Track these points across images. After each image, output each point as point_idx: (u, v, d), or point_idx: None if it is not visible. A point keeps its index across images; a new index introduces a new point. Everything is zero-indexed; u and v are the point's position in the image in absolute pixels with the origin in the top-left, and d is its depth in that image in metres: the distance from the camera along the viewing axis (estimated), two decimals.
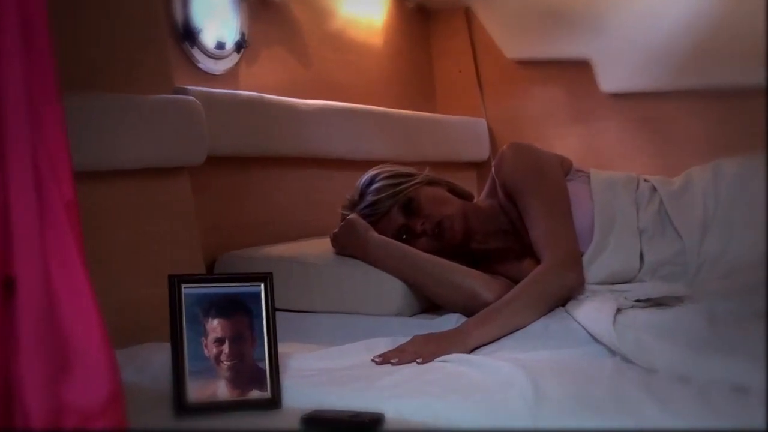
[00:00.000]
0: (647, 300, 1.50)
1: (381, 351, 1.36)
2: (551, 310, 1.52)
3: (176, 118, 1.74)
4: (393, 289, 1.72)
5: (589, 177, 1.78)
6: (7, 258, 0.86)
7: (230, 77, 2.15)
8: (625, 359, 1.23)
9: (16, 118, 0.87)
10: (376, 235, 1.74)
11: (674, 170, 1.86)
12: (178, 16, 2.00)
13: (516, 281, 1.60)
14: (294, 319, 1.72)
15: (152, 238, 1.67)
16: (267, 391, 1.18)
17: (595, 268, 1.66)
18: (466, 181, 2.89)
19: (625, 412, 1.02)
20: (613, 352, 1.27)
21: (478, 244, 1.78)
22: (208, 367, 1.17)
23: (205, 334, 1.18)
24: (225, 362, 1.18)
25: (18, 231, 0.86)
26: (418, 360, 1.32)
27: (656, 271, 1.67)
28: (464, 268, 1.68)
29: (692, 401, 1.03)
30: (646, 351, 1.22)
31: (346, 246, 1.78)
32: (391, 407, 1.10)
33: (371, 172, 1.83)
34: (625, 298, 1.51)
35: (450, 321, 1.58)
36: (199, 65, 2.05)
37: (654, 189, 1.75)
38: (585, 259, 1.66)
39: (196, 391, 1.15)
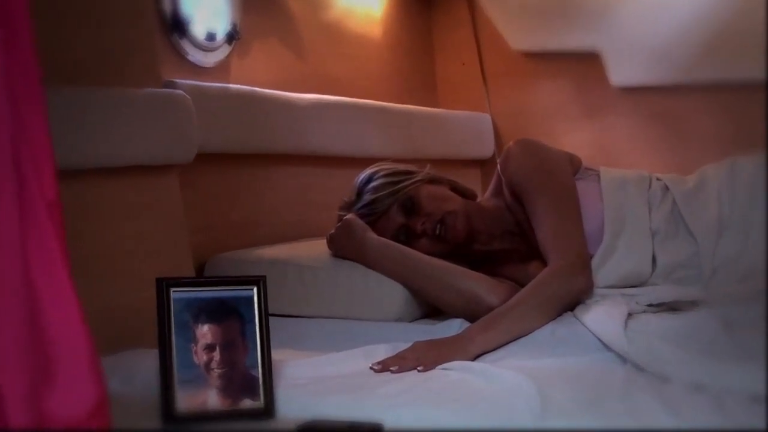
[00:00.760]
0: (660, 304, 1.51)
1: (380, 358, 1.36)
2: (559, 314, 1.52)
3: (164, 113, 1.74)
4: (393, 293, 1.72)
5: (598, 176, 1.78)
6: None
7: (221, 70, 2.15)
8: (637, 367, 1.23)
9: None
10: (374, 236, 1.74)
11: (688, 168, 1.86)
12: (167, 6, 2.00)
13: (522, 285, 1.60)
14: (288, 324, 1.72)
15: (139, 240, 1.67)
16: (260, 400, 1.18)
17: (605, 271, 1.66)
18: (470, 180, 2.90)
19: (637, 422, 1.02)
20: (623, 359, 1.27)
21: (482, 246, 1.79)
22: (198, 375, 1.17)
23: (194, 340, 1.18)
24: (216, 370, 1.18)
25: None
26: (418, 367, 1.32)
27: (669, 274, 1.67)
28: (467, 270, 1.68)
29: (707, 411, 1.04)
30: (658, 358, 1.22)
31: (343, 248, 1.78)
32: (391, 417, 1.10)
33: (369, 170, 1.83)
34: (637, 302, 1.51)
35: (452, 326, 1.58)
36: (189, 58, 2.05)
37: (666, 188, 1.75)
38: (594, 261, 1.66)
39: (186, 400, 1.15)
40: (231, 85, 2.08)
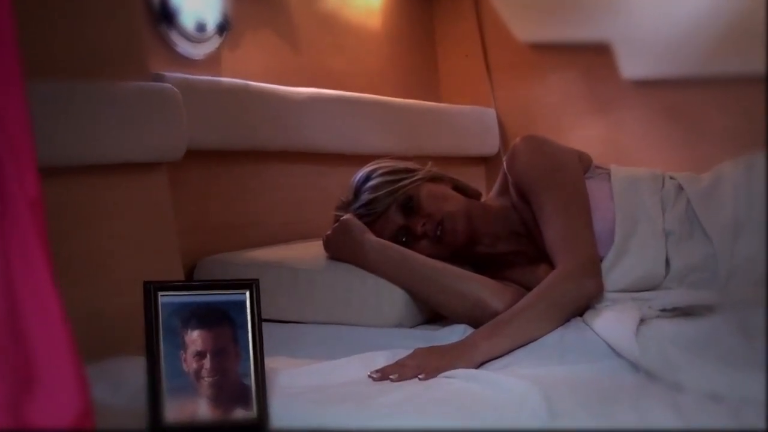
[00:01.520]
0: (673, 309, 1.50)
1: (379, 366, 1.36)
2: (568, 320, 1.52)
3: (152, 107, 1.73)
4: (392, 298, 1.72)
5: (609, 174, 1.78)
6: None
7: (212, 62, 2.15)
8: (649, 375, 1.23)
9: None
10: (373, 237, 1.74)
11: (703, 166, 1.86)
12: None
13: (529, 289, 1.60)
14: (283, 330, 1.72)
15: (126, 241, 1.67)
16: (252, 410, 1.18)
17: (615, 275, 1.66)
18: (474, 178, 2.91)
19: None
20: (635, 367, 1.27)
21: (486, 248, 1.79)
22: (188, 384, 1.17)
23: (183, 347, 1.18)
24: (206, 378, 1.17)
25: None
26: (420, 376, 1.32)
27: (684, 277, 1.67)
28: (471, 273, 1.68)
29: (724, 422, 1.03)
30: (672, 366, 1.22)
31: (341, 249, 1.78)
32: (391, 428, 1.10)
33: (367, 168, 1.83)
34: (649, 307, 1.51)
35: (455, 332, 1.58)
36: (177, 49, 2.05)
37: (680, 187, 1.76)
38: (605, 264, 1.66)
39: (174, 410, 1.15)
40: (222, 79, 2.08)
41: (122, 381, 1.30)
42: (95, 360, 1.37)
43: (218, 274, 1.88)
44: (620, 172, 1.79)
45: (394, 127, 2.58)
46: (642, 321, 1.42)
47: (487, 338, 1.44)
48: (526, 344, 1.46)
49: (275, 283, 1.80)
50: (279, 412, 1.18)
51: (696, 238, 1.69)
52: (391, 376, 1.32)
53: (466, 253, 1.78)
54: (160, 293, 1.19)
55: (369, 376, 1.33)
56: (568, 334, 1.46)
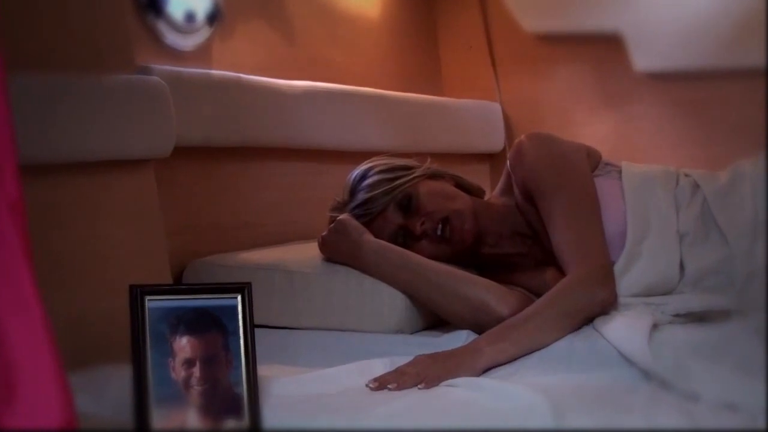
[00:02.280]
0: (687, 314, 1.50)
1: (378, 374, 1.36)
2: (578, 328, 1.53)
3: (139, 102, 1.74)
4: (392, 302, 1.72)
5: (619, 172, 1.78)
6: None
7: (202, 54, 2.15)
8: (663, 384, 1.23)
9: None
10: (371, 238, 1.74)
11: (719, 163, 1.86)
12: None
13: (536, 293, 1.60)
14: (276, 336, 1.72)
15: (111, 243, 1.67)
16: (244, 420, 1.18)
17: (627, 280, 1.66)
18: (478, 176, 2.90)
19: None
20: (648, 375, 1.28)
21: (491, 248, 1.79)
22: (176, 393, 1.17)
23: (172, 354, 1.18)
24: (195, 387, 1.18)
25: None
26: (420, 385, 1.32)
27: (698, 281, 1.66)
28: (475, 277, 1.68)
29: None
30: (686, 374, 1.22)
31: (337, 251, 1.78)
32: None
33: (364, 166, 1.84)
34: (662, 312, 1.51)
35: (458, 339, 1.58)
36: (166, 40, 2.05)
37: (696, 185, 1.75)
38: (616, 269, 1.65)
39: (162, 420, 1.15)
40: (213, 71, 2.08)
41: (107, 390, 1.30)
42: (79, 368, 1.37)
43: (208, 277, 1.88)
44: (632, 170, 1.78)
45: (394, 123, 2.58)
46: (654, 327, 1.43)
47: (492, 344, 1.45)
48: (533, 352, 1.46)
49: (268, 286, 1.80)
50: (272, 423, 1.19)
51: (712, 240, 1.68)
52: (389, 386, 1.32)
53: (470, 254, 1.78)
54: (147, 297, 1.19)
55: (367, 386, 1.33)
56: (578, 341, 1.46)
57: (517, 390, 1.22)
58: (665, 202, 1.72)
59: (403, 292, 1.72)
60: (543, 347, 1.47)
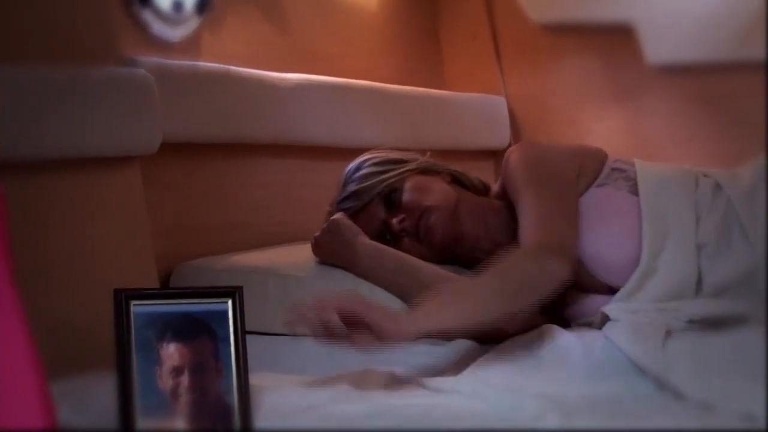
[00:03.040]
0: (703, 320, 1.50)
1: (374, 383, 1.36)
2: (529, 305, 1.50)
3: (123, 95, 1.74)
4: (390, 307, 1.71)
5: (629, 178, 1.74)
6: None
7: (190, 45, 2.15)
8: (677, 394, 1.24)
9: None
10: (366, 240, 1.75)
11: (738, 161, 1.85)
12: None
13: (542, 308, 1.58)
14: (269, 343, 1.72)
15: (94, 245, 1.67)
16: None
17: (640, 297, 1.63)
18: (481, 173, 2.88)
19: None
20: (661, 385, 1.28)
21: (481, 252, 1.75)
22: (163, 403, 1.17)
23: (158, 362, 1.18)
24: (184, 397, 1.18)
25: None
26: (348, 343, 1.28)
27: (719, 294, 1.62)
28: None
29: None
30: (702, 384, 1.22)
31: (331, 253, 1.78)
32: None
33: (361, 158, 1.86)
34: (676, 318, 1.51)
35: (460, 348, 1.58)
36: (152, 30, 2.05)
37: (718, 186, 1.71)
38: (629, 287, 1.62)
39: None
40: (201, 63, 2.08)
41: (90, 400, 1.30)
42: (61, 376, 1.37)
43: (197, 281, 1.88)
44: (647, 170, 1.75)
45: (393, 117, 2.59)
46: (668, 334, 1.42)
47: (426, 309, 1.39)
48: (471, 327, 1.43)
49: (260, 291, 1.80)
50: None
51: (735, 250, 1.64)
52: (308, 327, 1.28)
53: (450, 254, 1.77)
54: (132, 302, 1.19)
55: (285, 323, 1.30)
56: (588, 349, 1.46)
57: (524, 399, 1.22)
58: (685, 210, 1.68)
59: (399, 297, 1.71)
60: (487, 320, 1.44)
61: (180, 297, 1.23)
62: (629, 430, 1.10)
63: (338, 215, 1.79)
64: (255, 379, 1.25)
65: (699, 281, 1.65)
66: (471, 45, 3.10)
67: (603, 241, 1.67)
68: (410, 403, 1.30)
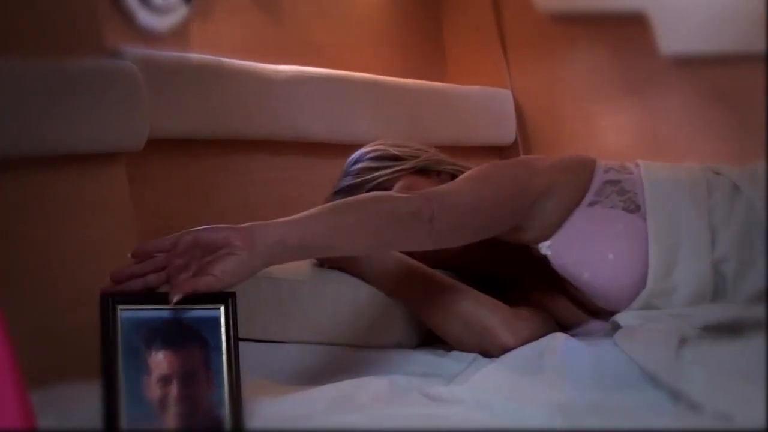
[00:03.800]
0: (718, 327, 1.50)
1: (375, 393, 1.36)
2: (387, 242, 1.48)
3: (107, 88, 1.74)
4: (391, 313, 1.72)
5: (622, 186, 1.67)
6: None
7: (178, 36, 2.15)
8: (691, 405, 1.24)
9: None
10: None
11: (754, 156, 1.85)
12: None
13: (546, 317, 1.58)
14: (263, 351, 1.72)
15: (78, 246, 1.68)
16: None
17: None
18: None
19: None
20: (676, 396, 1.28)
21: (465, 257, 1.75)
22: (151, 414, 1.17)
23: (147, 370, 1.18)
24: (172, 407, 1.18)
25: None
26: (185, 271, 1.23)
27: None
28: (480, 295, 1.64)
29: None
30: (718, 393, 1.22)
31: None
32: None
33: (364, 149, 1.87)
34: (690, 324, 1.51)
35: (467, 358, 1.58)
36: (138, 20, 2.05)
37: (735, 188, 1.65)
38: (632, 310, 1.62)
39: None
40: (191, 55, 2.08)
41: (74, 410, 1.31)
42: (43, 385, 1.38)
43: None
44: (653, 174, 1.68)
45: (393, 112, 2.59)
46: (682, 341, 1.43)
47: (289, 220, 1.34)
48: (320, 254, 1.46)
49: (253, 296, 1.80)
50: None
51: (759, 264, 1.59)
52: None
53: (447, 260, 1.77)
54: (119, 307, 1.19)
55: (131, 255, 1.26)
56: (598, 357, 1.47)
57: (530, 409, 1.22)
58: (697, 219, 1.62)
59: (400, 298, 1.72)
60: (345, 250, 1.45)
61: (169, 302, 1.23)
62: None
63: None
64: (248, 388, 1.25)
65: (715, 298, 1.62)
66: (475, 36, 3.10)
67: (597, 270, 1.63)
68: (409, 413, 1.31)
